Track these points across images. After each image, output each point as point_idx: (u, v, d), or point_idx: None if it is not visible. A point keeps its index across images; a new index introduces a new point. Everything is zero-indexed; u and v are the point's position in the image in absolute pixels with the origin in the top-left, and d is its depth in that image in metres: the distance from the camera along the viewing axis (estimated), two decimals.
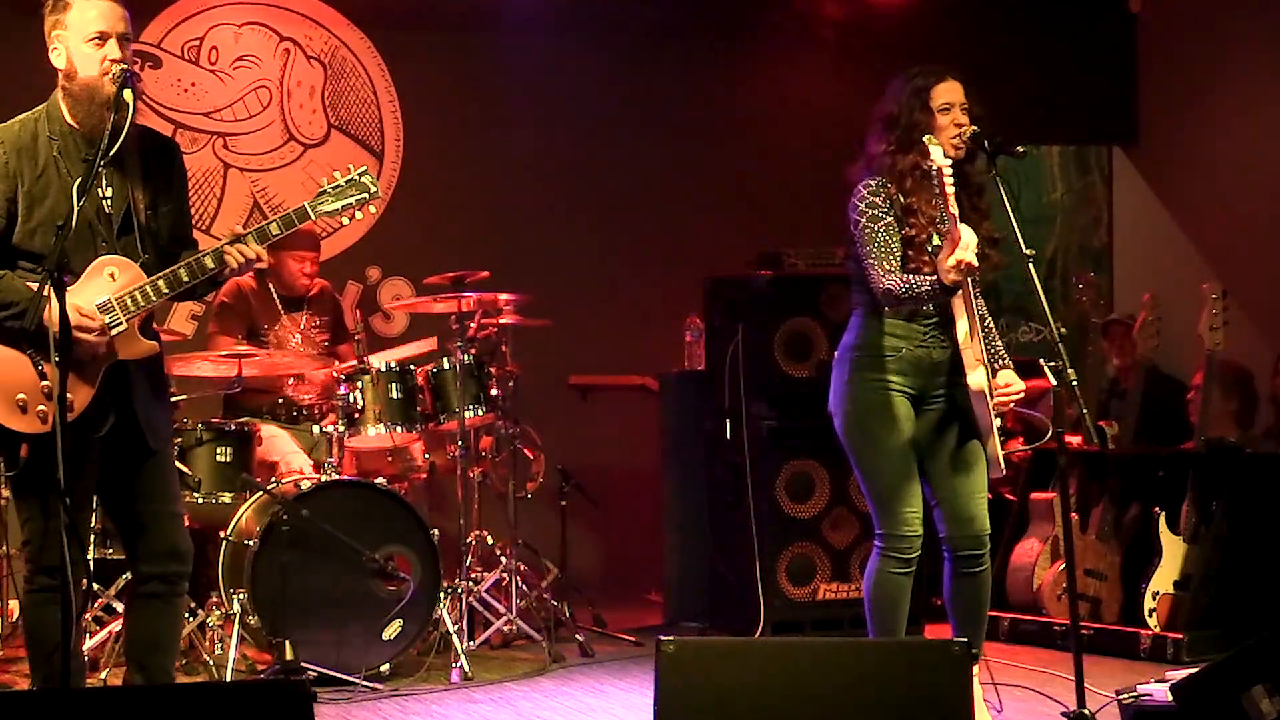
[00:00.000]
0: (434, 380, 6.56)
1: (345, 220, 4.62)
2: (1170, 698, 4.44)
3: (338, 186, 4.52)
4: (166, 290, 4.34)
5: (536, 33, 8.44)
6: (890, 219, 4.86)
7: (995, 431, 4.94)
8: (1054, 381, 4.74)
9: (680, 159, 8.65)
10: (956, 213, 4.69)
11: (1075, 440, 7.02)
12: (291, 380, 6.77)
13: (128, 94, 4.28)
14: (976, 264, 4.68)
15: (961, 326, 4.86)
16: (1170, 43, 9.00)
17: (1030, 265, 4.81)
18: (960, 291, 4.80)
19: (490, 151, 8.43)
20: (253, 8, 8.19)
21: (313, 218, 4.46)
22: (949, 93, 4.94)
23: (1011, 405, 4.97)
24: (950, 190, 4.69)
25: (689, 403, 7.41)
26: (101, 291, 4.31)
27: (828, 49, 8.78)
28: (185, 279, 4.34)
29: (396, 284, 8.27)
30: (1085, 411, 4.98)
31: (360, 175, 4.55)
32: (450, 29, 8.43)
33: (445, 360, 6.58)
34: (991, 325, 5.07)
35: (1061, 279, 9.43)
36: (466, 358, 6.54)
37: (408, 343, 7.26)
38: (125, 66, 4.31)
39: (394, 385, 6.42)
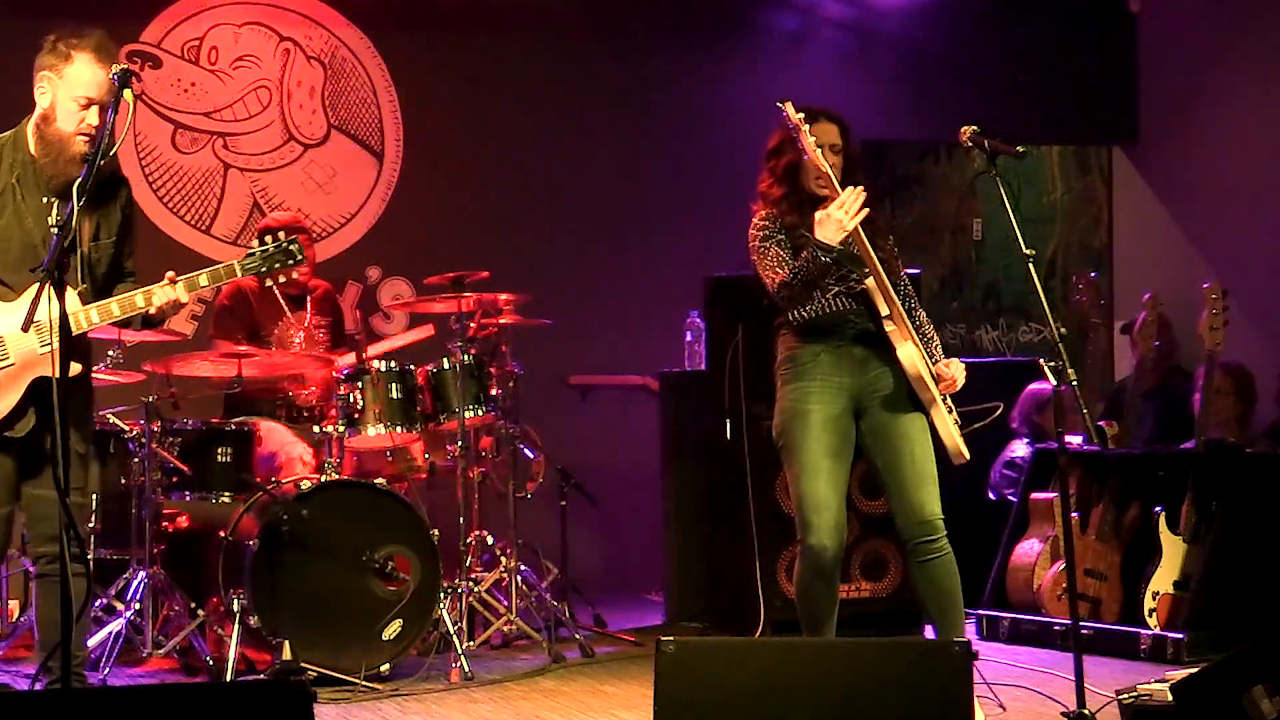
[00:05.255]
0: (434, 380, 6.56)
1: (281, 280, 4.99)
2: (1170, 698, 4.44)
3: (267, 252, 4.82)
4: (98, 319, 4.61)
5: (536, 33, 8.44)
6: (781, 235, 5.05)
7: (946, 413, 4.98)
8: (1054, 381, 4.75)
9: (680, 159, 8.65)
10: (824, 166, 4.91)
11: (1075, 440, 7.02)
12: (291, 380, 6.78)
13: (127, 94, 4.41)
14: (854, 212, 4.82)
15: (882, 308, 4.96)
16: (1170, 43, 9.00)
17: (1030, 265, 4.82)
18: (871, 275, 4.94)
19: (490, 151, 8.43)
20: (253, 8, 8.19)
21: (239, 275, 4.80)
22: (817, 133, 5.04)
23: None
24: (810, 144, 4.89)
25: (689, 403, 7.41)
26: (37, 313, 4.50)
27: (828, 49, 8.78)
28: (116, 312, 4.62)
29: (396, 284, 8.27)
30: (1085, 411, 4.99)
31: (289, 243, 4.85)
32: (450, 29, 8.43)
33: (445, 360, 6.58)
34: (928, 332, 5.15)
35: (1061, 279, 9.43)
36: (466, 358, 6.54)
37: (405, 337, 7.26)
38: (125, 67, 4.48)
39: (394, 385, 6.42)
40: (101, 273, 4.73)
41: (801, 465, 4.98)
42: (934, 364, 5.05)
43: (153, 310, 4.66)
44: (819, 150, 4.94)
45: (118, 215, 4.76)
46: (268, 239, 4.86)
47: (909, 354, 4.96)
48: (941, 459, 5.08)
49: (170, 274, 4.65)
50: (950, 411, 5.04)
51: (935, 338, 5.18)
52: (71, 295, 4.54)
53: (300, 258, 4.87)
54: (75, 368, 4.61)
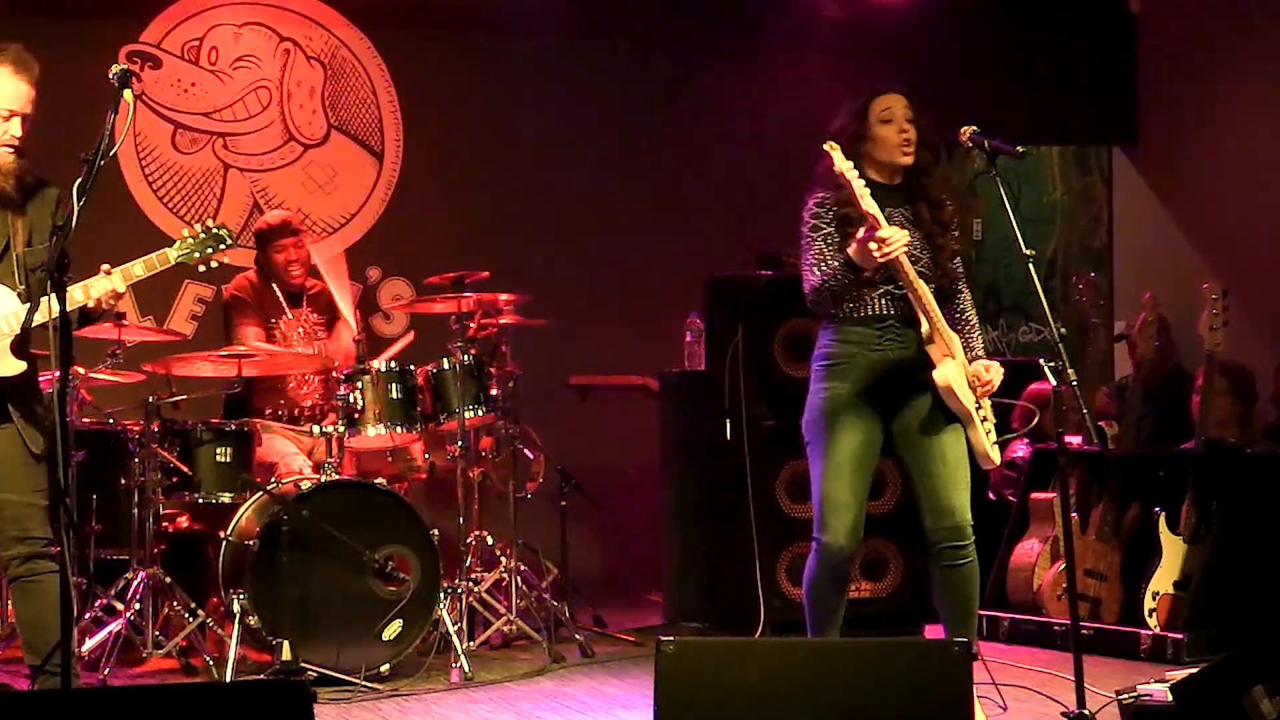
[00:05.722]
0: (434, 380, 6.56)
1: (214, 264, 5.06)
2: (1170, 698, 4.44)
3: (198, 239, 5.00)
4: (38, 317, 4.68)
5: (536, 33, 8.43)
6: (830, 229, 4.96)
7: (980, 423, 4.97)
8: (1054, 381, 4.75)
9: (680, 159, 8.65)
10: (872, 210, 4.74)
11: (1075, 440, 7.02)
12: (294, 380, 6.80)
13: (127, 94, 4.48)
14: (890, 249, 4.74)
15: (923, 325, 4.93)
16: (1170, 43, 9.00)
17: (1030, 265, 4.82)
18: (911, 291, 4.89)
19: (490, 152, 8.43)
20: (253, 8, 8.18)
21: (172, 262, 4.94)
22: (889, 101, 5.03)
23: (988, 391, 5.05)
24: (860, 189, 4.75)
25: (689, 403, 7.40)
26: None
27: (828, 49, 8.78)
28: (33, 318, 4.67)
29: (396, 284, 8.27)
30: (1085, 412, 4.99)
31: (219, 229, 5.04)
32: (450, 29, 8.42)
33: (445, 360, 6.58)
34: (971, 318, 5.14)
35: (1061, 279, 9.43)
36: (466, 358, 6.54)
37: (404, 343, 7.25)
38: (124, 67, 4.56)
39: (394, 385, 6.42)
40: (38, 278, 4.83)
41: (825, 466, 4.97)
42: (972, 362, 5.03)
43: (91, 303, 4.78)
44: (890, 120, 4.87)
45: (48, 221, 4.89)
46: (198, 225, 5.03)
47: (943, 374, 4.93)
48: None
49: (105, 266, 4.80)
50: (984, 420, 5.02)
51: (977, 329, 5.13)
52: (11, 296, 4.75)
53: (230, 242, 5.04)
54: (20, 365, 4.79)
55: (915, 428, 5.01)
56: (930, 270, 5.01)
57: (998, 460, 5.08)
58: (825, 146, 4.84)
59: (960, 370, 4.97)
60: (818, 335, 5.11)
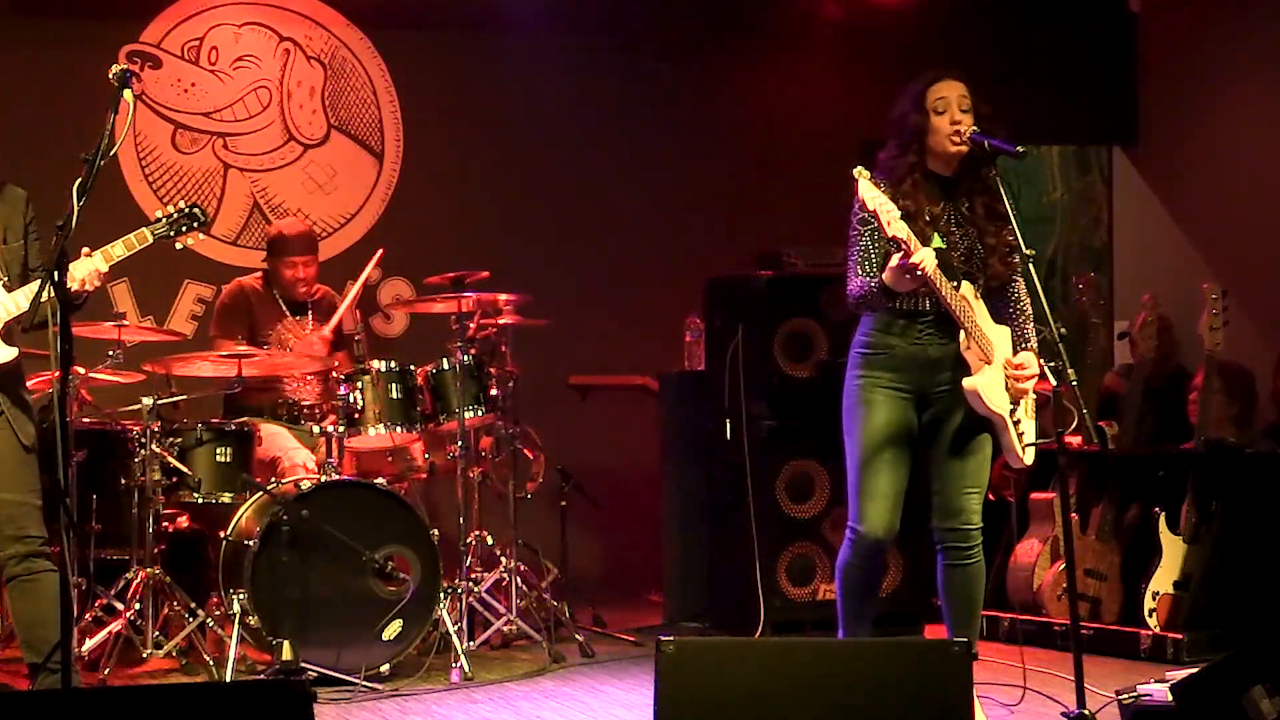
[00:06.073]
0: (434, 380, 6.57)
1: (190, 242, 5.17)
2: (1170, 698, 4.44)
3: (173, 218, 5.10)
4: (24, 301, 4.84)
5: (536, 33, 8.43)
6: (876, 224, 4.90)
7: (1012, 427, 4.97)
8: (1054, 381, 4.76)
9: (680, 159, 8.64)
10: (901, 234, 4.71)
11: (1075, 440, 7.01)
12: (294, 381, 6.80)
13: (127, 94, 4.51)
14: (926, 271, 4.73)
15: (962, 333, 4.93)
16: (1170, 43, 9.00)
17: (1030, 265, 4.83)
18: (945, 303, 4.87)
19: (490, 151, 8.43)
20: (253, 8, 8.18)
21: (150, 240, 5.04)
22: (944, 90, 4.99)
23: (1026, 387, 5.01)
24: (887, 216, 4.70)
25: (689, 403, 7.41)
26: None
27: (828, 49, 8.78)
28: (42, 296, 4.74)
29: (396, 284, 8.27)
30: (1085, 411, 4.99)
31: (193, 208, 5.15)
32: (450, 29, 8.42)
33: (445, 360, 6.58)
34: (1025, 307, 5.13)
35: (1061, 279, 9.43)
36: (466, 358, 6.54)
37: (405, 340, 7.25)
38: (124, 67, 4.58)
39: (394, 385, 6.42)
40: (15, 273, 4.97)
41: (861, 455, 4.98)
42: (1018, 353, 5.03)
43: (75, 285, 4.82)
44: (945, 110, 4.91)
45: (19, 221, 5.01)
46: (170, 207, 5.11)
47: (972, 383, 4.93)
48: (996, 453, 5.10)
49: (86, 249, 4.88)
50: (1018, 424, 5.02)
51: (1031, 317, 5.12)
52: None
53: (204, 220, 5.15)
54: (12, 351, 4.87)
55: (942, 426, 5.02)
56: (980, 270, 5.00)
57: (1028, 462, 5.10)
58: (854, 173, 4.78)
59: (996, 376, 4.96)
60: (859, 321, 5.09)
